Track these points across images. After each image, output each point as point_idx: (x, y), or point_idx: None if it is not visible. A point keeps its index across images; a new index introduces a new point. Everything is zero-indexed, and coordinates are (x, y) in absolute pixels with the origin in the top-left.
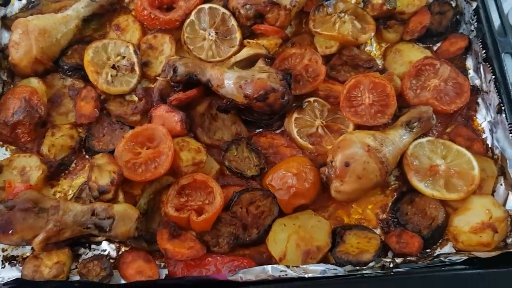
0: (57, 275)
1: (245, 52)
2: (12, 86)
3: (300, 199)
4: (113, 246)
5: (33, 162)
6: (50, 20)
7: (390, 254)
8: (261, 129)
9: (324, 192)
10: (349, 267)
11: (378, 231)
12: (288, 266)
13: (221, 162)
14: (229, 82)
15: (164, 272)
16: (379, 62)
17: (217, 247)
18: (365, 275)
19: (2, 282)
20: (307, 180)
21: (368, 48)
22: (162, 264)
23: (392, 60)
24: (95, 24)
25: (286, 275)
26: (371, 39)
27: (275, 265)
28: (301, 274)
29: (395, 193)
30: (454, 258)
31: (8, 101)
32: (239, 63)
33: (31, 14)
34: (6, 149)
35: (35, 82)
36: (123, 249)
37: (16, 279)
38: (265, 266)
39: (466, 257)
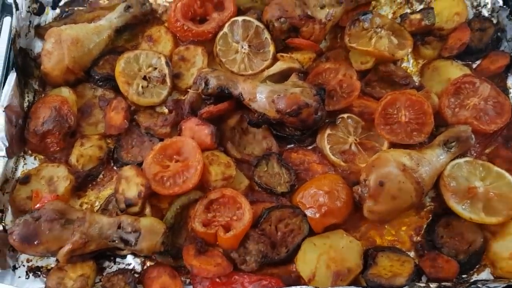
0: None
1: (278, 66)
2: (43, 95)
3: (331, 218)
4: (138, 260)
5: (61, 172)
6: (83, 30)
7: (424, 278)
8: (292, 145)
9: (357, 211)
10: None
11: (412, 254)
12: None
13: (251, 178)
14: (261, 96)
15: None
16: (416, 79)
17: (245, 265)
18: None
19: None
20: (339, 199)
21: (404, 64)
22: (188, 281)
23: (429, 77)
24: (127, 35)
25: None
26: (408, 55)
27: (303, 286)
28: None
29: (430, 215)
30: (492, 285)
31: (38, 110)
32: (272, 77)
33: (65, 24)
34: (35, 158)
35: (66, 91)
36: (148, 263)
37: None
38: (293, 287)
39: (505, 285)
